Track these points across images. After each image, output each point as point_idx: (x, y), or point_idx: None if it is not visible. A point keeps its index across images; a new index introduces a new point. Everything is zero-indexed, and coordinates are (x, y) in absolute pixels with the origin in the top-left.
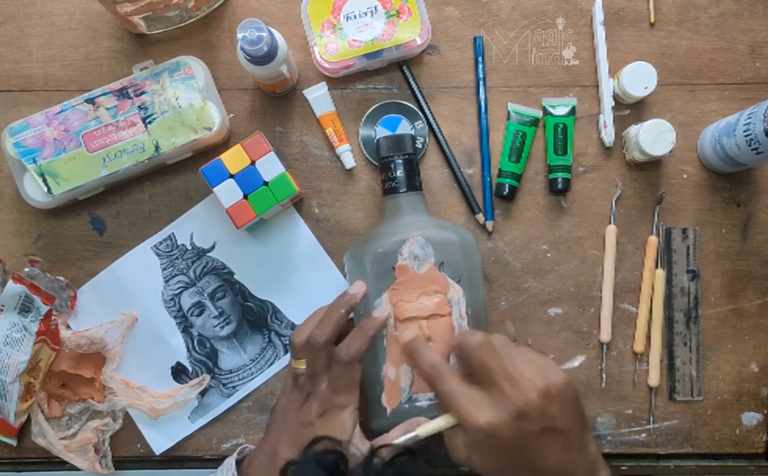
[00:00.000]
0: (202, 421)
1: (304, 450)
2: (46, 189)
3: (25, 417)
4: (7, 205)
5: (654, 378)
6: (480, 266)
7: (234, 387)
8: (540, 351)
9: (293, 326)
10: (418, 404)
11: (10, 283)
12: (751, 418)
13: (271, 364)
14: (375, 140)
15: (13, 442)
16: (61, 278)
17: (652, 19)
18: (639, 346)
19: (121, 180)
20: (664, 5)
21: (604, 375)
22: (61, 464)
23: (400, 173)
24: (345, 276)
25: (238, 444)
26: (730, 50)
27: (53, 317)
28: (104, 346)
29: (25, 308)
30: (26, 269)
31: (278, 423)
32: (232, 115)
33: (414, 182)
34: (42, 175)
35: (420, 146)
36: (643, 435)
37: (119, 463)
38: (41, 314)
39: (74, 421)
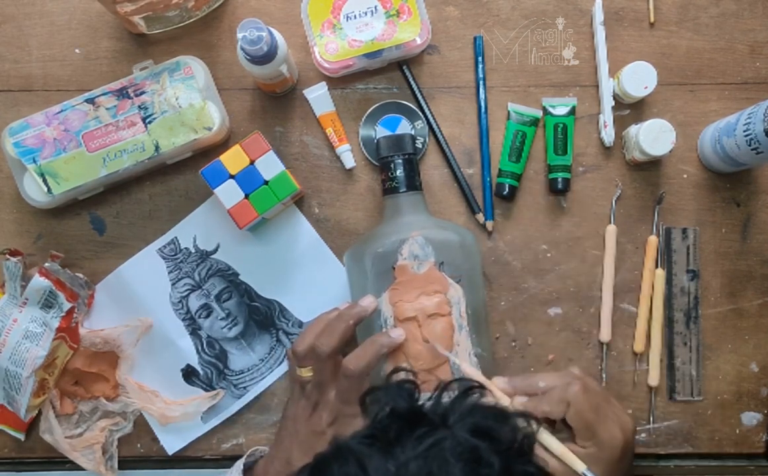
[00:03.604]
0: (214, 422)
1: (386, 378)
2: (46, 189)
3: (36, 412)
4: (7, 205)
5: (654, 378)
6: (480, 265)
7: (245, 388)
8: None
9: (300, 324)
10: (419, 403)
11: (37, 277)
12: (751, 418)
13: (281, 363)
14: (375, 140)
15: (21, 436)
16: (81, 276)
17: (652, 19)
18: (639, 346)
19: (121, 180)
20: (664, 5)
21: (604, 375)
22: (62, 464)
23: (400, 172)
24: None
25: (238, 444)
26: (730, 50)
27: (75, 315)
28: (118, 346)
29: (48, 303)
30: (47, 264)
31: (289, 431)
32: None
33: (414, 182)
34: (42, 175)
35: (420, 146)
36: (643, 435)
37: (119, 463)
38: (63, 310)
39: (84, 419)
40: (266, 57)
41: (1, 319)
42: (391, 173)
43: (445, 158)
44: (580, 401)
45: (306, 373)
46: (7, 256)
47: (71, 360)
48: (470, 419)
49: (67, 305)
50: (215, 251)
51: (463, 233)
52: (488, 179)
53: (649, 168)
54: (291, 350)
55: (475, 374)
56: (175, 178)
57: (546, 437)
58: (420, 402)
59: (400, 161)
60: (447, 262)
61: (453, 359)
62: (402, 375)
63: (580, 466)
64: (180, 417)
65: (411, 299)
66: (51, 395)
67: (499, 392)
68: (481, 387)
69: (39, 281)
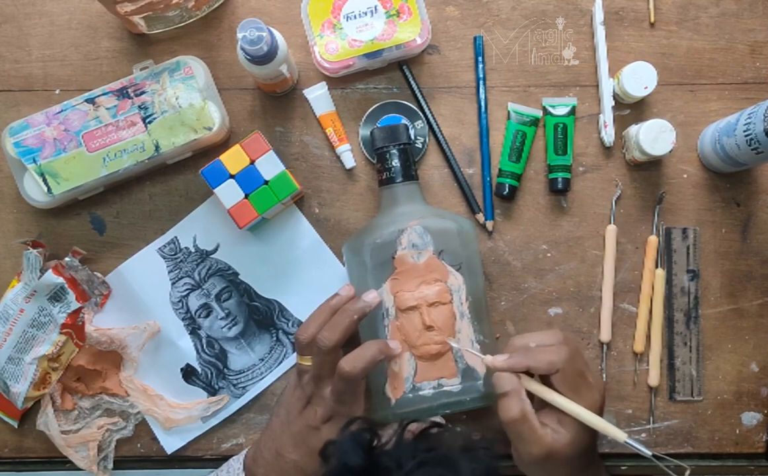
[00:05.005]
0: (214, 421)
1: (341, 430)
2: (46, 189)
3: (32, 403)
4: (7, 205)
5: (654, 378)
6: (478, 252)
7: (244, 388)
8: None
9: (300, 324)
10: (422, 393)
11: (50, 273)
12: (751, 418)
13: (280, 363)
14: (370, 132)
15: (15, 423)
16: (99, 275)
17: (652, 19)
18: (639, 346)
19: (121, 180)
20: (664, 5)
21: (604, 375)
22: (62, 464)
23: (395, 163)
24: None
25: (238, 443)
26: (730, 50)
27: (81, 314)
28: (123, 347)
29: (56, 297)
30: (67, 259)
31: (281, 419)
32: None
33: (410, 172)
34: (42, 175)
35: (420, 146)
36: (643, 435)
37: (118, 463)
38: (70, 308)
39: (83, 416)
40: (266, 57)
41: (12, 307)
42: (387, 164)
43: (445, 158)
44: (569, 367)
45: (305, 362)
46: (29, 247)
47: (76, 357)
48: (425, 468)
49: (75, 305)
50: (215, 250)
51: (461, 221)
52: (488, 179)
53: (649, 168)
54: (294, 337)
55: (477, 361)
56: (175, 178)
57: (575, 407)
58: (377, 443)
59: (395, 151)
60: (446, 250)
61: (455, 345)
62: (358, 425)
63: (621, 436)
64: (184, 420)
65: (412, 289)
66: (52, 389)
67: (491, 361)
68: (440, 425)
69: (51, 277)
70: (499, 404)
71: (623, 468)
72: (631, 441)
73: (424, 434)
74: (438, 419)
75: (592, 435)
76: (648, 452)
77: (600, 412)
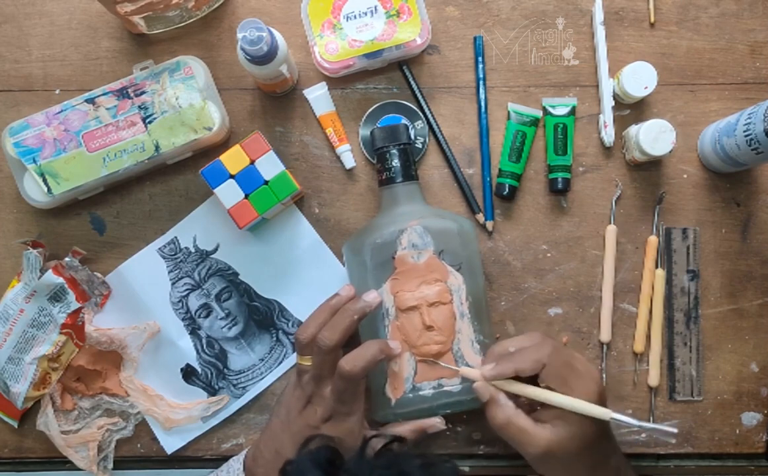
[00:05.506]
0: (214, 421)
1: (299, 449)
2: (46, 189)
3: (32, 403)
4: (7, 205)
5: (654, 378)
6: (478, 252)
7: (244, 388)
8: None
9: (300, 324)
10: (422, 393)
11: (50, 273)
12: (751, 418)
13: (280, 363)
14: (370, 132)
15: (15, 423)
16: (99, 275)
17: (652, 19)
18: (639, 346)
19: (121, 180)
20: (664, 5)
21: (604, 375)
22: (62, 464)
23: (395, 163)
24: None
25: (238, 443)
26: (730, 50)
27: (81, 314)
28: (123, 347)
29: (56, 297)
30: (67, 259)
31: (281, 419)
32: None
33: (410, 172)
34: (42, 175)
35: (420, 146)
36: (643, 435)
37: (118, 463)
38: (70, 308)
39: (83, 416)
40: (266, 57)
41: (12, 307)
42: (387, 164)
43: (445, 158)
44: (554, 360)
45: (305, 362)
46: (29, 247)
47: (76, 357)
48: None
49: (75, 305)
50: (215, 250)
51: (461, 221)
52: (488, 179)
53: (649, 168)
54: (294, 337)
55: (477, 362)
56: (175, 178)
57: (552, 395)
58: (338, 462)
59: (395, 151)
60: (446, 250)
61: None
62: (317, 443)
63: (606, 414)
64: (184, 420)
65: (412, 289)
66: (52, 389)
67: (476, 374)
68: (400, 440)
69: (51, 277)
70: (486, 414)
71: None
72: (616, 416)
73: (385, 450)
74: (439, 419)
75: (597, 426)
76: (634, 422)
77: (598, 400)
